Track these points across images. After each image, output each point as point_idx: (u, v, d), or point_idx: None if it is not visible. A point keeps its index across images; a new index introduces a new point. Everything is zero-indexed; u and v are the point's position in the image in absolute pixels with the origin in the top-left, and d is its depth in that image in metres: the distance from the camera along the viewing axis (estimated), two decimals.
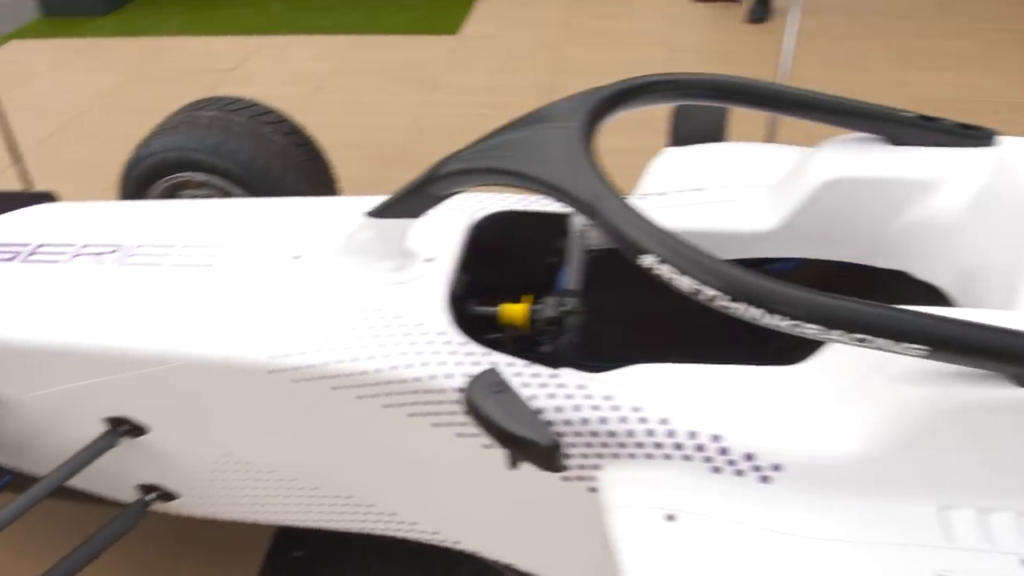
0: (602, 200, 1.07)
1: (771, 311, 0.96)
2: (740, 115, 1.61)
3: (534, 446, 1.05)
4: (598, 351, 1.43)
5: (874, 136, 1.50)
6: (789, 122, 1.60)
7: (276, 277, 1.47)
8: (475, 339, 1.31)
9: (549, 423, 1.14)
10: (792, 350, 1.24)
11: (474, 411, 1.09)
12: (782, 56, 2.68)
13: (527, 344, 1.43)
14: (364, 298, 1.37)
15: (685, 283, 0.99)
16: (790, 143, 1.83)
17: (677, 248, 1.00)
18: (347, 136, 3.88)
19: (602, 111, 1.29)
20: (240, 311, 1.41)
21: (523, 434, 1.05)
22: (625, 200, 1.08)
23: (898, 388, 1.05)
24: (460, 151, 1.30)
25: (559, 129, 1.21)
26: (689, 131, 2.01)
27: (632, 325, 1.63)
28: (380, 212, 1.39)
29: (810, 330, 0.97)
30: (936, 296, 1.47)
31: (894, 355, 1.01)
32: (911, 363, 1.04)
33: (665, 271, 1.00)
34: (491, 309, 1.44)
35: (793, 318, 0.96)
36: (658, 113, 1.69)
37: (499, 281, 1.53)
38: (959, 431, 1.05)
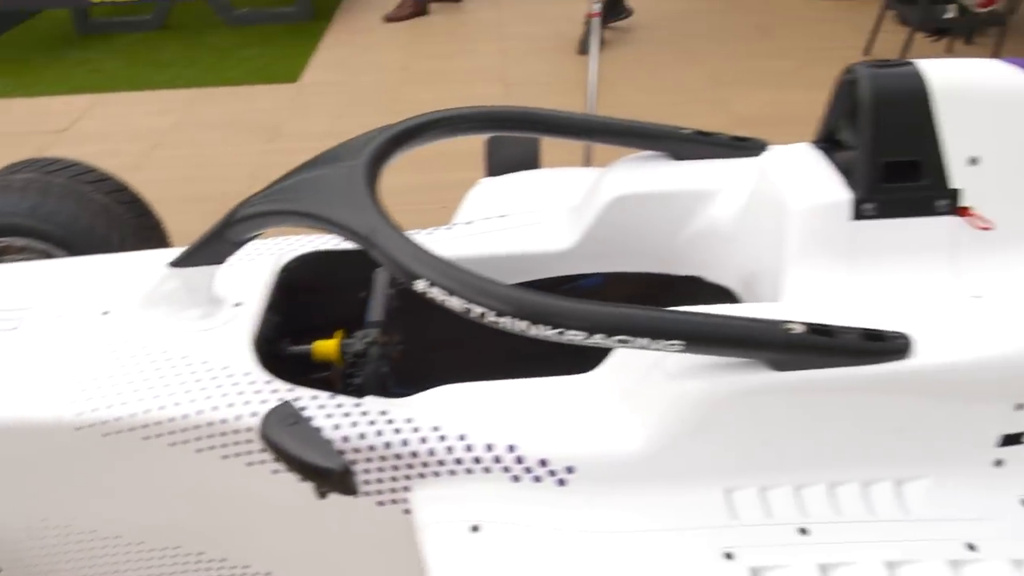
0: (377, 232, 1.13)
1: (533, 322, 1.03)
2: (563, 141, 1.70)
3: (327, 472, 1.09)
4: (417, 377, 1.48)
5: (659, 154, 1.63)
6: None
7: (83, 335, 1.46)
8: (302, 379, 1.34)
9: (343, 450, 1.19)
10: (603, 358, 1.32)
11: (269, 445, 1.12)
12: (588, 85, 2.84)
13: (348, 378, 1.47)
14: (171, 347, 1.38)
15: (455, 303, 1.05)
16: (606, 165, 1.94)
17: (444, 271, 1.07)
18: (187, 190, 3.83)
19: (389, 149, 1.36)
20: (45, 371, 1.39)
21: (315, 462, 1.09)
22: (399, 231, 1.14)
23: (673, 383, 1.14)
24: (253, 195, 1.34)
25: (343, 167, 1.26)
26: (504, 160, 2.11)
27: (451, 349, 1.68)
28: (181, 261, 1.40)
29: (575, 336, 1.05)
30: (729, 297, 1.59)
31: (667, 353, 1.10)
32: (683, 359, 1.14)
33: (437, 294, 1.06)
34: (305, 348, 1.47)
35: (555, 326, 1.03)
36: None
37: (317, 320, 1.56)
38: (731, 417, 1.14)
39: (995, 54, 4.93)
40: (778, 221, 1.34)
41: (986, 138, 1.27)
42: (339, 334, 1.46)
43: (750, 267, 1.48)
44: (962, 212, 1.28)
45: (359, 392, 1.31)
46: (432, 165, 3.79)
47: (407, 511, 1.23)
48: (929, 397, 1.16)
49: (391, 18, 6.18)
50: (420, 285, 1.07)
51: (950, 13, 5.20)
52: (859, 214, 1.27)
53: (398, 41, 5.81)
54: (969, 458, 1.20)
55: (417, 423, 1.20)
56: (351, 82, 5.15)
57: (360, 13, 6.41)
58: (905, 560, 1.09)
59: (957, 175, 1.27)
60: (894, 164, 1.27)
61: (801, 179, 1.33)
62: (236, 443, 1.27)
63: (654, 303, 1.12)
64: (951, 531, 1.13)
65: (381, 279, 1.54)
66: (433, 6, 6.37)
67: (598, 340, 1.04)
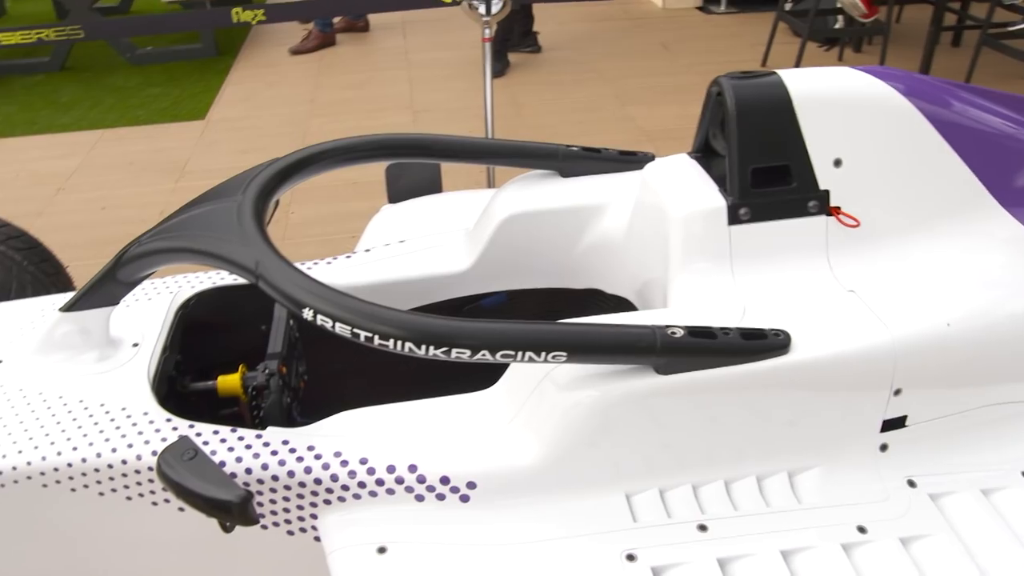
0: (262, 265, 1.14)
1: (418, 343, 1.05)
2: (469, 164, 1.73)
3: (224, 504, 1.08)
4: (324, 405, 1.48)
5: (549, 172, 1.67)
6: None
7: None
8: (211, 417, 1.32)
9: (247, 483, 1.18)
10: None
11: (165, 481, 1.11)
12: (484, 108, 2.88)
13: (255, 411, 1.47)
14: (67, 392, 1.36)
15: (342, 329, 1.07)
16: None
17: (327, 298, 1.08)
18: (93, 234, 3.76)
19: (275, 182, 1.37)
20: None
21: (211, 495, 1.08)
22: (285, 262, 1.15)
23: (564, 394, 1.17)
24: (143, 234, 1.33)
25: (229, 203, 1.27)
26: (405, 187, 2.13)
27: (356, 375, 1.69)
28: (73, 306, 1.38)
29: (462, 354, 1.07)
30: (628, 307, 1.63)
31: (556, 364, 1.13)
32: (573, 369, 1.17)
33: (324, 321, 1.07)
34: (210, 384, 1.46)
35: (441, 346, 1.06)
36: None
37: (222, 356, 1.55)
38: (624, 422, 1.17)
39: (882, 60, 5.18)
40: (661, 230, 1.39)
41: (846, 141, 1.34)
42: (242, 368, 1.46)
43: (642, 276, 1.53)
44: (832, 211, 1.35)
45: (264, 424, 1.31)
46: (343, 195, 3.80)
47: (317, 538, 1.23)
48: (812, 390, 1.21)
49: (297, 51, 6.17)
50: (307, 314, 1.09)
51: (838, 24, 5.43)
52: (735, 219, 1.32)
53: (305, 73, 5.80)
54: (855, 445, 1.26)
55: (319, 450, 1.21)
56: (258, 117, 5.12)
57: (266, 47, 6.38)
58: (800, 548, 1.14)
59: (824, 177, 1.34)
60: (765, 169, 1.33)
61: (679, 188, 1.39)
62: (139, 483, 1.26)
63: (557, 317, 1.15)
64: (842, 516, 1.19)
65: (280, 311, 1.54)
66: (340, 36, 6.37)
67: (485, 357, 1.07)
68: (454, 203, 2.02)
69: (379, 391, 1.46)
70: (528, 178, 1.66)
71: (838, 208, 1.35)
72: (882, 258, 1.35)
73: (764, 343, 1.16)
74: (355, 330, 1.05)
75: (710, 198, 1.34)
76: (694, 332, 1.14)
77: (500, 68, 5.47)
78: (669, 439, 1.21)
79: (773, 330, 1.18)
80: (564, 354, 1.08)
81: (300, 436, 1.23)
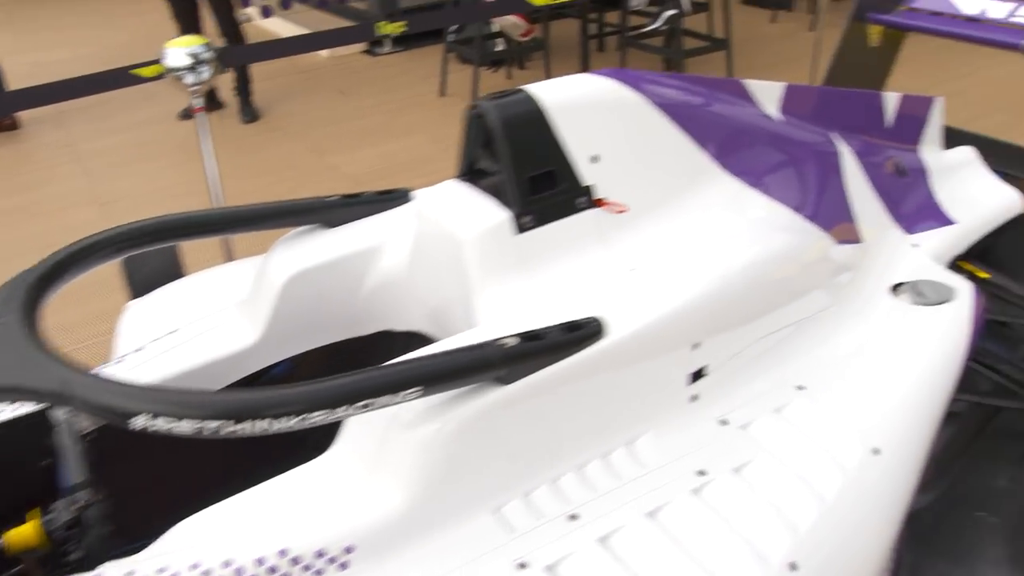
0: (69, 383, 1.02)
1: (274, 417, 1.00)
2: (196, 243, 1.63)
3: None
4: (150, 524, 1.34)
5: (313, 226, 1.64)
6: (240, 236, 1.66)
7: None
8: None
9: None
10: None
11: None
12: (208, 181, 2.75)
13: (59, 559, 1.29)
14: None
15: (186, 427, 0.98)
16: (250, 254, 1.89)
17: (164, 399, 0.99)
18: None
19: (37, 294, 1.22)
20: None
21: None
22: (93, 375, 1.03)
23: (412, 432, 1.15)
24: None
25: None
26: (146, 278, 1.98)
27: (178, 479, 1.55)
28: None
29: (318, 417, 1.03)
30: (421, 340, 1.64)
31: (400, 406, 1.11)
32: (414, 405, 1.16)
33: (162, 424, 0.98)
34: None
35: (297, 414, 1.01)
36: None
37: None
38: (475, 442, 1.19)
39: (546, 73, 5.62)
40: (452, 255, 1.42)
41: (598, 138, 1.47)
42: (34, 514, 1.28)
43: (435, 304, 1.55)
44: (599, 203, 1.46)
45: (85, 565, 1.16)
46: (79, 296, 3.41)
47: None
48: (629, 364, 1.31)
49: None
50: (140, 421, 0.98)
51: (500, 46, 5.81)
52: (521, 228, 1.39)
53: None
54: (672, 403, 1.40)
55: (173, 569, 1.09)
56: None
57: None
58: (660, 506, 1.25)
59: (586, 174, 1.45)
60: (535, 177, 1.41)
61: (461, 212, 1.43)
62: None
63: (347, 368, 1.13)
64: (682, 467, 1.32)
65: (66, 436, 1.37)
66: None
67: (341, 413, 1.04)
68: (209, 281, 1.91)
69: (197, 496, 1.35)
70: (295, 236, 1.62)
71: (603, 199, 1.46)
72: (650, 234, 1.49)
73: (583, 332, 1.23)
74: (203, 423, 0.97)
75: (494, 213, 1.39)
76: (524, 337, 1.18)
77: (251, 114, 5.42)
78: (519, 445, 1.24)
79: (585, 319, 1.25)
80: (420, 389, 1.07)
81: (144, 562, 1.11)
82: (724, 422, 1.41)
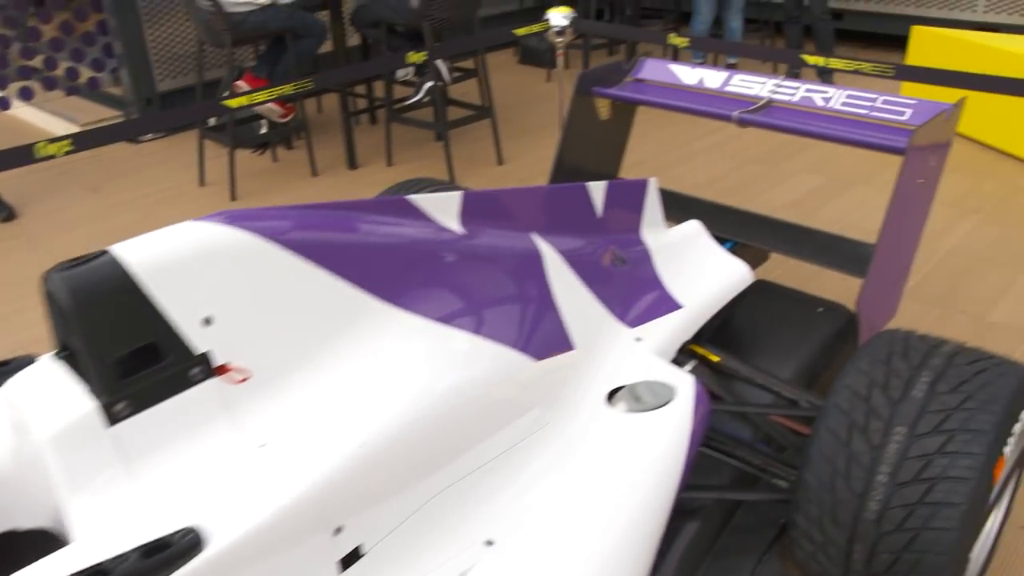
0: None
1: None
2: None
3: None
4: None
5: None
6: None
7: None
8: None
9: None
10: None
11: None
12: None
13: None
14: None
15: None
16: None
17: None
18: None
19: None
20: None
21: None
22: None
23: None
24: None
25: None
26: None
27: None
28: None
29: None
30: (50, 536, 1.39)
31: None
32: None
33: None
34: None
35: None
36: None
37: None
38: None
39: (309, 152, 5.42)
40: (38, 454, 1.19)
41: (210, 296, 1.28)
42: None
43: (48, 503, 1.31)
44: (220, 371, 1.26)
45: None
46: None
47: None
48: (255, 562, 1.11)
49: None
50: None
51: (263, 129, 5.57)
52: (114, 418, 1.17)
53: None
54: None
55: None
56: None
57: None
58: None
59: (198, 340, 1.25)
60: (131, 354, 1.20)
61: (42, 402, 1.20)
62: None
63: None
64: None
65: None
66: None
67: None
68: None
69: None
70: None
71: (224, 365, 1.27)
72: (288, 399, 1.30)
73: (173, 551, 1.03)
74: None
75: (76, 405, 1.17)
76: (91, 574, 0.97)
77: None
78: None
79: (181, 531, 1.05)
80: None
81: None
82: None
